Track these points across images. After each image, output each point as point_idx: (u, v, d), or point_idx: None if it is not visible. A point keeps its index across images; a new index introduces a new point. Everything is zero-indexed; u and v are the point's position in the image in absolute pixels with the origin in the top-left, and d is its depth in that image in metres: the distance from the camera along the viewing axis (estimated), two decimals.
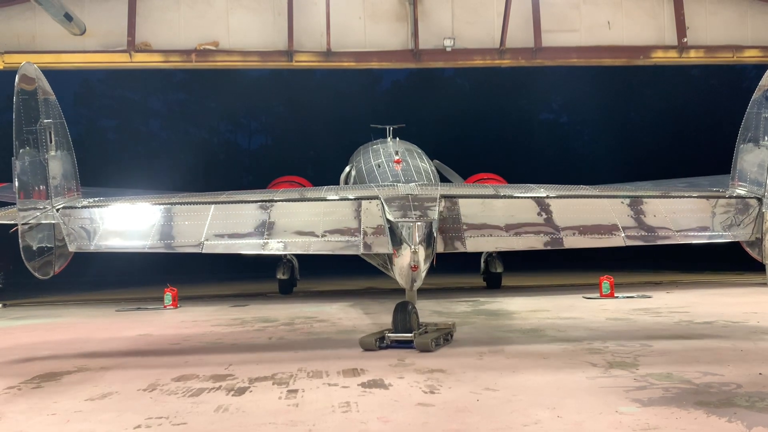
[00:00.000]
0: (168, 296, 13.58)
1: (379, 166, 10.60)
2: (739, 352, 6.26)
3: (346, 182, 11.94)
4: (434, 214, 6.76)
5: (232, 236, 6.69)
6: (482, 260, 16.54)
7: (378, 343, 7.04)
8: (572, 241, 6.61)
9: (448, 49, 16.93)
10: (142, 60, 17.02)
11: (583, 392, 4.71)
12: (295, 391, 5.06)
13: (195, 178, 40.32)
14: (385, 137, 13.34)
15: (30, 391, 5.36)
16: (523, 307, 11.27)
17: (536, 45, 17.03)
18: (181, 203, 6.96)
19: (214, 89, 51.14)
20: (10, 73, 21.15)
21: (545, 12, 17.09)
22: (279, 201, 7.04)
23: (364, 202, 7.02)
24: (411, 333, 7.06)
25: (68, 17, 15.60)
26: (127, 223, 6.77)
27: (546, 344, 7.13)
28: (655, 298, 12.44)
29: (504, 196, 7.19)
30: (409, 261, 6.60)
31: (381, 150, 11.51)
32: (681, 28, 17.10)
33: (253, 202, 7.02)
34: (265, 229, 6.69)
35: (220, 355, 7.15)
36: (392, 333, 7.22)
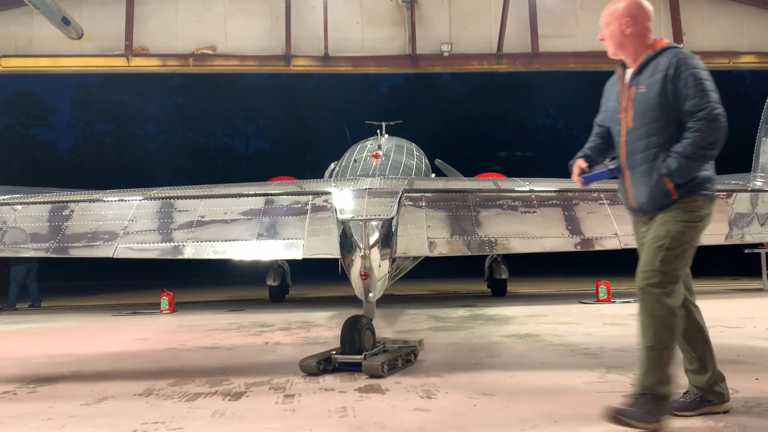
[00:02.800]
0: (164, 301, 13.56)
1: (356, 161, 9.76)
2: (735, 356, 6.26)
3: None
4: (392, 212, 5.69)
5: (150, 239, 5.69)
6: (486, 265, 15.74)
7: (322, 366, 5.83)
8: (556, 244, 5.69)
9: (446, 54, 17.00)
10: (140, 64, 17.06)
11: (580, 397, 4.71)
12: (292, 396, 5.05)
13: (192, 182, 40.33)
14: (382, 134, 13.26)
15: (25, 396, 5.34)
16: (520, 312, 11.27)
17: (533, 50, 17.12)
18: (92, 201, 6.05)
19: (212, 94, 51.31)
20: (7, 77, 21.17)
21: (542, 18, 17.19)
22: (210, 197, 6.08)
23: (312, 198, 6.01)
24: (361, 354, 5.85)
25: (66, 21, 15.61)
26: (24, 225, 5.84)
27: (543, 349, 7.12)
28: None
29: (478, 191, 6.22)
30: (359, 268, 5.57)
31: (368, 146, 10.93)
32: (677, 33, 17.22)
33: (179, 198, 6.06)
34: (191, 230, 5.72)
35: (216, 359, 7.12)
36: (339, 354, 6.00)
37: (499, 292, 15.48)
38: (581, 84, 41.87)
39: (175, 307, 13.76)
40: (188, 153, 52.12)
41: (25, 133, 50.40)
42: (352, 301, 15.15)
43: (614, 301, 12.64)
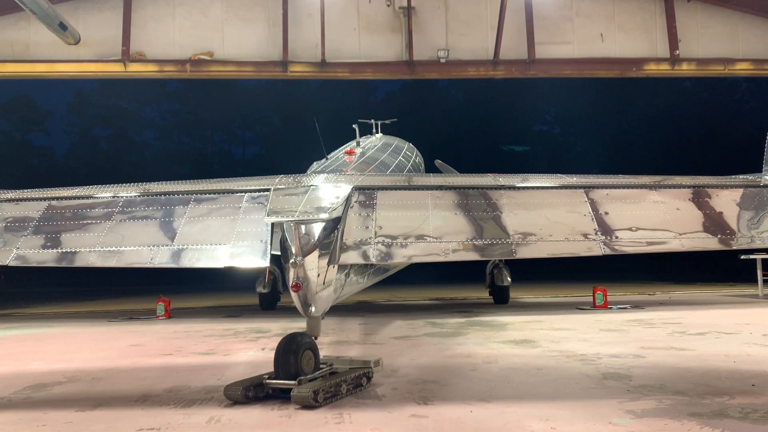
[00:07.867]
0: (160, 306, 13.52)
1: (327, 159, 9.00)
2: (732, 363, 6.27)
3: None
4: (335, 212, 4.88)
5: (51, 244, 4.98)
6: (487, 271, 14.93)
7: (251, 392, 5.03)
8: (525, 250, 4.72)
9: (443, 60, 17.04)
10: (137, 70, 17.05)
11: (576, 403, 4.71)
12: (288, 401, 5.03)
13: None
14: (375, 132, 13.24)
15: (20, 402, 5.31)
16: (517, 319, 11.26)
17: (530, 57, 17.17)
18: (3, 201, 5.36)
19: (209, 99, 51.35)
20: (4, 83, 21.08)
21: (539, 24, 17.25)
22: (133, 197, 5.36)
23: (246, 197, 5.21)
24: (296, 379, 4.98)
25: (63, 27, 15.60)
26: None
27: (539, 355, 7.12)
28: (648, 309, 12.47)
29: (440, 187, 5.25)
30: (292, 278, 4.86)
31: (353, 144, 10.44)
32: (673, 40, 17.31)
33: (96, 198, 5.39)
34: (104, 234, 5.02)
35: (212, 365, 7.10)
36: (272, 379, 5.13)
37: (501, 300, 14.73)
38: (577, 90, 42.10)
39: (171, 314, 13.72)
40: (185, 158, 52.04)
41: (21, 139, 50.30)
42: (351, 308, 15.12)
43: (611, 308, 12.64)
